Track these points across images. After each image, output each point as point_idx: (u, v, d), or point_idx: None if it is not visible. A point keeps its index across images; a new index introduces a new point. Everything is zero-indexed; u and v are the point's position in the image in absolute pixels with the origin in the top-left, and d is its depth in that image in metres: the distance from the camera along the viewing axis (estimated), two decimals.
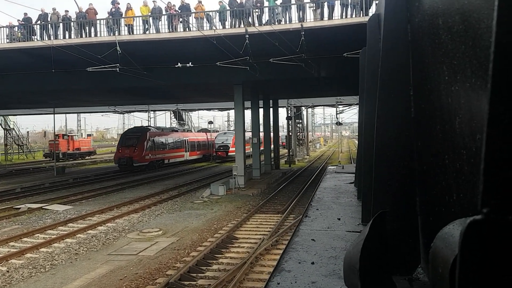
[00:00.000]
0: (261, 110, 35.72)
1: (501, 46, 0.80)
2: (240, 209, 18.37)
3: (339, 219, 5.73)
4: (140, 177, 31.43)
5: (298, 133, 53.04)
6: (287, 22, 20.04)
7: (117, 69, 20.25)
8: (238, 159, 25.07)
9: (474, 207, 0.83)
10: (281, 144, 52.94)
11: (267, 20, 20.24)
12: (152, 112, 57.07)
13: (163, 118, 68.15)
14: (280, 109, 45.35)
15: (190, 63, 20.87)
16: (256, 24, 19.97)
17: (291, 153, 43.83)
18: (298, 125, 53.33)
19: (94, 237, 13.83)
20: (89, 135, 78.39)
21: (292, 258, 3.95)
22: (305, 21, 19.44)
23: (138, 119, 65.35)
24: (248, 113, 33.28)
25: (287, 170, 35.47)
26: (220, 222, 15.81)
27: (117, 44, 19.16)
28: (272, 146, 39.04)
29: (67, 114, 64.32)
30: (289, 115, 45.83)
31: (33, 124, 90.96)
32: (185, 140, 44.36)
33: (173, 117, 59.99)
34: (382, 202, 3.00)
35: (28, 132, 70.03)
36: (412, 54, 2.82)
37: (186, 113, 59.74)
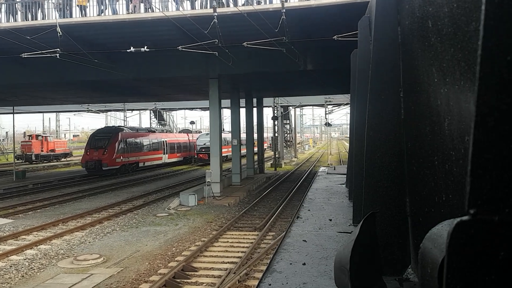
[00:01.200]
0: (244, 110, 34.02)
1: (488, 49, 0.81)
2: (210, 224, 15.81)
3: (330, 220, 5.75)
4: (108, 183, 28.83)
5: (286, 134, 51.11)
6: (267, 3, 17.67)
7: (57, 55, 17.15)
8: (213, 163, 22.35)
9: (463, 208, 0.84)
10: (268, 145, 50.83)
11: (244, 2, 17.73)
12: (130, 111, 53.60)
13: (146, 119, 63.92)
14: (265, 109, 43.20)
15: (145, 47, 17.46)
16: (231, 6, 17.30)
17: (277, 155, 41.46)
18: (286, 126, 51.27)
19: (15, 266, 10.86)
20: (74, 136, 75.95)
21: (284, 259, 3.96)
22: (288, 1, 16.43)
23: (125, 119, 60.29)
24: (229, 113, 31.94)
25: (272, 174, 33.28)
26: (182, 243, 13.17)
27: (57, 26, 15.93)
28: (256, 148, 37.03)
29: (48, 114, 61.28)
30: (275, 115, 43.47)
31: (27, 124, 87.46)
32: (163, 141, 41.72)
33: (153, 117, 57.14)
34: (373, 203, 3.02)
35: (7, 132, 66.03)
36: (402, 56, 2.84)
37: (167, 112, 56.70)
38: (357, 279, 1.83)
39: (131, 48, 17.62)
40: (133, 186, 28.04)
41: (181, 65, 20.55)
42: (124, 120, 53.22)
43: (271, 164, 40.37)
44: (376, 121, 3.08)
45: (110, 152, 33.08)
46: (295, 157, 53.81)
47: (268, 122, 50.77)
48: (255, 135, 44.53)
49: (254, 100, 35.74)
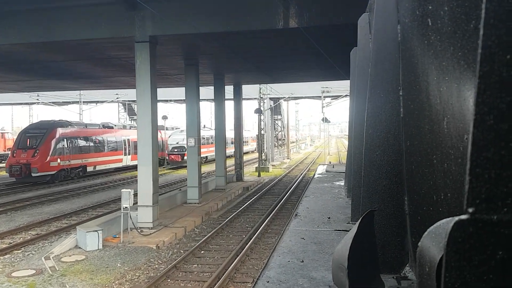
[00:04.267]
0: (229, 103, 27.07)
1: (488, 48, 0.81)
2: None
3: (329, 218, 5.77)
4: (28, 195, 21.70)
5: (278, 132, 44.33)
6: None
7: None
8: (142, 175, 14.52)
9: (462, 207, 0.84)
10: (255, 148, 42.59)
11: None
12: (94, 104, 45.69)
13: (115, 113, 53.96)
14: (251, 102, 36.58)
15: None
16: None
17: (263, 157, 33.86)
18: (277, 121, 44.37)
19: None
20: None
21: (282, 256, 3.97)
22: None
23: (81, 112, 46.57)
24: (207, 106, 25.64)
25: (253, 183, 25.85)
26: None
27: None
28: (232, 150, 30.27)
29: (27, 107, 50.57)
30: (262, 107, 35.38)
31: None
32: (125, 140, 34.00)
33: (123, 110, 50.26)
34: (371, 201, 3.03)
35: None
36: (402, 55, 2.84)
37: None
38: (355, 277, 1.83)
39: None
40: (57, 201, 20.87)
41: (88, 23, 14.03)
42: (80, 113, 44.62)
43: (256, 167, 32.63)
44: (375, 119, 3.09)
45: (43, 154, 25.91)
46: (288, 158, 46.83)
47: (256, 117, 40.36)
48: (229, 133, 37.01)
49: (231, 88, 28.16)
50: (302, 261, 3.81)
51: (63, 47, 16.07)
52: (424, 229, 1.32)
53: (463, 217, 0.80)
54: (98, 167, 31.24)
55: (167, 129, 42.40)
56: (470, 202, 0.80)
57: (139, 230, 13.49)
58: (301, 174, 31.02)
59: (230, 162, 29.90)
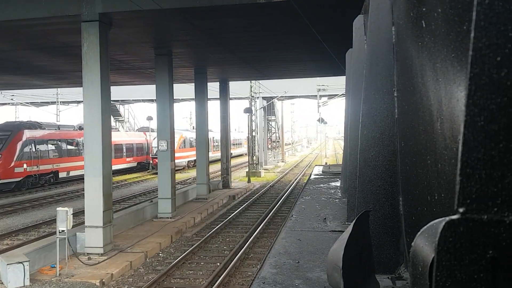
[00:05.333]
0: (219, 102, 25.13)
1: (478, 49, 0.82)
2: None
3: (325, 219, 5.78)
4: None
5: (272, 134, 42.11)
6: None
7: None
8: (89, 188, 11.72)
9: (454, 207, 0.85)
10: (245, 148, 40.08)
11: None
12: (76, 104, 41.39)
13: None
14: (242, 102, 34.64)
15: None
16: None
17: (254, 161, 31.62)
18: (271, 123, 41.95)
19: None
20: None
21: (277, 258, 3.98)
22: None
23: (58, 113, 42.86)
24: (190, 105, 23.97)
25: (241, 190, 23.82)
26: None
27: None
28: (217, 153, 29.32)
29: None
30: (253, 107, 32.39)
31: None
32: None
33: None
34: (366, 201, 3.04)
35: None
36: (396, 56, 2.86)
37: (124, 106, 44.68)
38: (349, 277, 1.84)
39: None
40: (13, 213, 18.26)
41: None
42: (56, 114, 40.74)
43: (246, 172, 30.17)
44: (370, 120, 3.10)
45: (6, 159, 23.50)
46: (282, 161, 44.23)
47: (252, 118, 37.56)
48: (212, 134, 35.52)
49: (216, 84, 25.68)
50: (298, 262, 3.82)
51: None
52: (418, 229, 1.33)
53: (454, 217, 0.81)
54: (73, 173, 28.43)
55: (152, 130, 39.55)
56: (461, 202, 0.81)
57: (86, 257, 10.99)
58: (295, 179, 28.70)
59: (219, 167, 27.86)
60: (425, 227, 1.25)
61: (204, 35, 14.39)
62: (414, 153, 2.40)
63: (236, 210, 18.08)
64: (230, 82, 26.81)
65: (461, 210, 0.81)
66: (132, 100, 41.27)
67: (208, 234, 13.89)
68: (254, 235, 13.54)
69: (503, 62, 0.79)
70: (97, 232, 11.54)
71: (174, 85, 17.39)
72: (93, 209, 11.71)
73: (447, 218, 0.82)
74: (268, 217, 16.21)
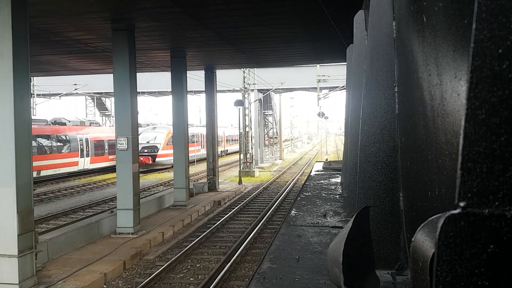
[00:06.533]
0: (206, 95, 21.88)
1: (480, 42, 0.81)
2: None
3: (325, 214, 5.78)
4: None
5: (269, 129, 39.00)
6: None
7: None
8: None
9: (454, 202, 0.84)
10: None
11: None
12: (58, 97, 38.56)
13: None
14: (238, 95, 30.03)
15: None
16: None
17: (248, 159, 28.37)
18: (268, 117, 38.79)
19: None
20: None
21: (277, 254, 3.98)
22: None
23: (34, 106, 36.83)
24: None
25: (229, 194, 20.34)
26: None
27: None
28: (202, 151, 26.94)
29: None
30: (247, 100, 29.55)
31: None
32: (82, 139, 28.77)
33: (91, 104, 45.08)
34: (366, 197, 3.03)
35: None
36: (397, 51, 2.84)
37: (110, 99, 41.13)
38: (349, 273, 1.84)
39: None
40: None
41: None
42: (32, 108, 33.52)
43: (239, 171, 26.41)
44: (370, 116, 3.09)
45: None
46: (280, 159, 40.34)
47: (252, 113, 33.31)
48: (195, 129, 33.64)
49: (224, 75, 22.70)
50: (298, 258, 3.82)
51: None
52: (418, 225, 1.32)
53: (455, 211, 0.81)
54: (44, 172, 25.63)
55: (139, 126, 36.61)
56: (462, 196, 0.80)
57: None
58: (293, 179, 25.37)
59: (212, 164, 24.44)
60: (426, 222, 1.25)
61: (174, 6, 11.37)
62: (415, 149, 2.39)
63: (218, 220, 14.55)
64: (219, 72, 23.95)
65: (462, 204, 0.80)
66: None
67: (176, 256, 10.57)
68: (233, 259, 10.27)
69: (504, 54, 0.78)
70: (11, 263, 8.21)
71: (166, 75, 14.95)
72: (2, 232, 8.26)
73: (448, 213, 0.82)
74: (256, 230, 12.69)
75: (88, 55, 17.49)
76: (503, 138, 0.77)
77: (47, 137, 26.51)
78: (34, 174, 22.42)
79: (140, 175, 27.56)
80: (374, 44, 3.16)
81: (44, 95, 38.83)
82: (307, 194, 7.72)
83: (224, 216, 15.24)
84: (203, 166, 27.47)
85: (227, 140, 44.28)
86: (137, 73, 13.56)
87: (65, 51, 16.59)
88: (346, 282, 1.82)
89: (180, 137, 18.28)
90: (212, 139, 22.01)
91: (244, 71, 29.77)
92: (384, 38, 3.02)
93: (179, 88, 18.32)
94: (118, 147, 12.95)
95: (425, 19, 2.05)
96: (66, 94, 37.26)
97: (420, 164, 2.26)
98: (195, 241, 11.91)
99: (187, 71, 18.96)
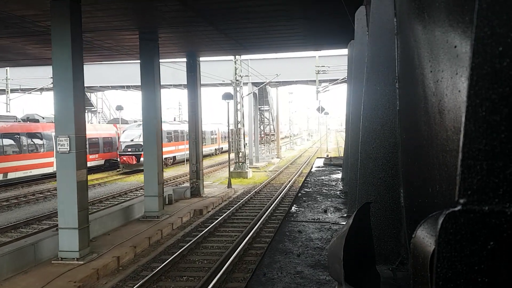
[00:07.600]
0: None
1: (480, 39, 0.81)
2: None
3: (325, 211, 5.79)
4: None
5: (265, 126, 36.66)
6: None
7: None
8: None
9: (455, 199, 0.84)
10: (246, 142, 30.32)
11: None
12: (39, 92, 34.54)
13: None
14: (230, 89, 26.27)
15: None
16: None
17: (240, 159, 25.81)
18: (264, 113, 36.54)
19: None
20: None
21: (279, 249, 3.99)
22: None
23: (8, 102, 34.75)
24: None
25: (215, 200, 17.29)
26: None
27: None
28: (184, 151, 25.28)
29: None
30: (238, 93, 26.96)
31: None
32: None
33: None
34: (367, 193, 3.04)
35: None
36: (398, 47, 2.84)
37: (95, 94, 38.20)
38: (350, 269, 1.84)
39: None
40: None
41: None
42: (7, 103, 34.11)
43: (229, 173, 23.07)
44: (371, 112, 3.09)
45: None
46: (278, 157, 37.59)
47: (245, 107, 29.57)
48: (176, 126, 31.80)
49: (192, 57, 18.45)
50: (299, 254, 3.84)
51: None
52: (419, 221, 1.32)
53: (455, 208, 0.81)
54: (12, 175, 22.92)
55: (125, 122, 33.67)
56: (462, 193, 0.80)
57: None
58: (290, 180, 22.62)
59: (207, 162, 21.85)
60: (426, 218, 1.25)
61: None
62: (416, 145, 2.39)
63: (195, 236, 11.59)
64: (210, 64, 20.67)
65: (462, 201, 0.80)
66: (100, 86, 33.65)
67: None
68: None
69: (505, 51, 0.78)
70: None
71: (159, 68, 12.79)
72: None
73: (448, 210, 0.82)
74: (238, 251, 9.87)
75: (43, 38, 13.82)
76: (503, 136, 0.77)
77: (18, 135, 23.51)
78: (0, 177, 21.52)
79: (122, 177, 26.22)
80: (375, 40, 3.16)
81: (22, 90, 34.89)
82: (308, 190, 7.73)
83: (202, 231, 12.06)
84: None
85: (222, 138, 42.86)
86: (115, 63, 10.00)
87: (13, 33, 13.29)
88: (347, 278, 1.83)
89: (151, 135, 15.16)
90: (195, 137, 18.86)
91: (235, 62, 26.94)
92: (385, 34, 3.01)
93: (150, 77, 15.15)
94: (58, 149, 9.88)
95: (427, 15, 2.04)
96: (48, 89, 32.80)
97: (421, 160, 2.26)
98: (158, 268, 8.83)
99: (169, 60, 15.68)
